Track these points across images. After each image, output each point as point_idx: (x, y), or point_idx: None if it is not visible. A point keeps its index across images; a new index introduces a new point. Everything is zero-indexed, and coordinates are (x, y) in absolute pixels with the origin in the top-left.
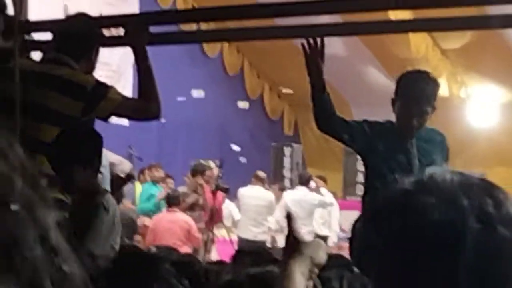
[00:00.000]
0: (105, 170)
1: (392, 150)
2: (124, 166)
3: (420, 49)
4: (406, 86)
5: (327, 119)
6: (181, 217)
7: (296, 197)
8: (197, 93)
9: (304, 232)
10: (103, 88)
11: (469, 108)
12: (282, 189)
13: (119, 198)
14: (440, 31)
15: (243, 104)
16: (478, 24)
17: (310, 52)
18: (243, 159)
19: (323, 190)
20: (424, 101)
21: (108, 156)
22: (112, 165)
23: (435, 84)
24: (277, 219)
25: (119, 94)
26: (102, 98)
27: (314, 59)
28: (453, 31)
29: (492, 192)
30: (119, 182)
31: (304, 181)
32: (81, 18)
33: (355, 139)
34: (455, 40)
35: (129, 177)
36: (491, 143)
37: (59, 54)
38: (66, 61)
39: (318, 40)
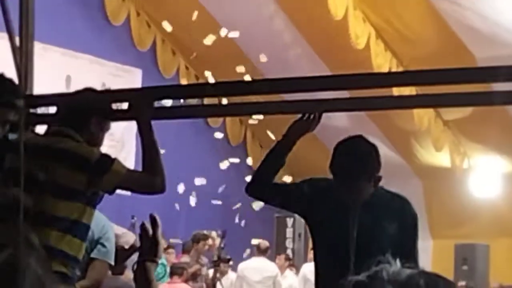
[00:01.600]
0: (109, 244)
1: (332, 214)
2: (129, 238)
3: (423, 121)
4: (338, 160)
5: (262, 184)
6: None
7: None
8: (200, 181)
9: None
10: (107, 161)
11: (472, 179)
12: (288, 258)
13: (122, 269)
14: (443, 107)
15: (256, 205)
16: (482, 100)
17: (305, 119)
18: (245, 229)
19: None
20: (358, 176)
21: (112, 227)
22: (116, 236)
23: (369, 152)
24: None
25: (124, 167)
26: (106, 171)
27: (302, 125)
28: (456, 106)
29: (441, 279)
30: (123, 254)
31: None
32: (86, 93)
33: (290, 202)
34: (458, 112)
35: (134, 249)
36: (494, 214)
37: (62, 127)
38: (70, 133)
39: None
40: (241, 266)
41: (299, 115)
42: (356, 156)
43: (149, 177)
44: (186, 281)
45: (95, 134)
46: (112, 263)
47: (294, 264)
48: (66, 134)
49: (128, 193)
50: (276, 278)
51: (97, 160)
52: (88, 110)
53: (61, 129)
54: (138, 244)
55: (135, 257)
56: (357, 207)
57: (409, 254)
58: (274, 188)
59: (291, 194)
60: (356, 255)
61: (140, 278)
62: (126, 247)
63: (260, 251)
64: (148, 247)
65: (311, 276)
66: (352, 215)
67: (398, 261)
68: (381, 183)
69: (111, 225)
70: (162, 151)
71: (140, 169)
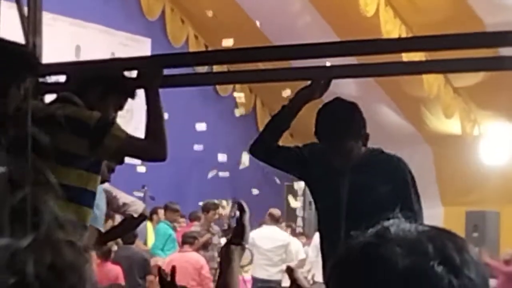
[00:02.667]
0: (98, 211)
1: (326, 176)
2: (138, 206)
3: (433, 87)
4: (320, 125)
5: (265, 145)
6: (193, 257)
7: None
8: (200, 127)
9: None
10: (106, 124)
11: (482, 146)
12: (290, 226)
13: (133, 238)
14: (452, 72)
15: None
16: (491, 65)
17: (314, 84)
18: (256, 198)
19: None
20: (343, 137)
21: (122, 196)
22: (125, 205)
23: (350, 111)
24: (310, 260)
25: (123, 131)
26: (105, 134)
27: (310, 91)
28: (465, 72)
29: (451, 237)
30: (133, 223)
31: None
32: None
33: (291, 165)
34: (468, 79)
35: (143, 217)
36: (504, 181)
37: (64, 93)
38: (71, 98)
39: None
40: (252, 234)
41: (308, 82)
42: (337, 117)
43: (150, 144)
44: (197, 250)
45: (98, 103)
46: (102, 229)
47: (304, 232)
48: (67, 100)
49: (139, 162)
50: (288, 247)
51: (96, 123)
52: (95, 79)
53: (64, 95)
54: (147, 213)
55: (143, 226)
56: (348, 168)
57: (413, 211)
58: (277, 150)
59: (292, 157)
60: (356, 216)
61: (222, 258)
62: (135, 215)
63: (273, 219)
64: (236, 231)
65: None
66: (342, 177)
67: (404, 218)
68: (391, 150)
69: (108, 190)
70: (166, 116)
71: None
